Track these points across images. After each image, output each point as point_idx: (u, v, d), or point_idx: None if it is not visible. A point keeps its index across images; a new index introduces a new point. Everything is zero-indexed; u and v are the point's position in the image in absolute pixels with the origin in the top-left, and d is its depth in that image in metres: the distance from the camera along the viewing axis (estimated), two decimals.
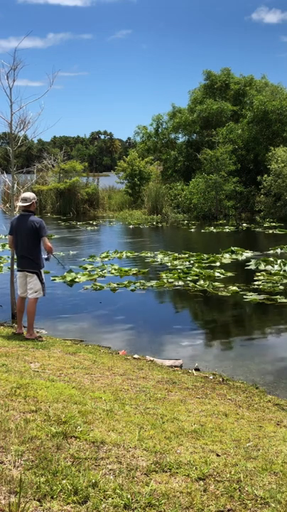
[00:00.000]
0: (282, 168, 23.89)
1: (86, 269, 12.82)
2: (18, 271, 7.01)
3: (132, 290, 10.79)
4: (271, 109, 26.21)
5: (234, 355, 7.09)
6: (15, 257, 7.57)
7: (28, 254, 6.79)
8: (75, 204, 29.27)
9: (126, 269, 12.71)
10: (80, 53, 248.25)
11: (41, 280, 6.88)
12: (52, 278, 11.70)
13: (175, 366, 6.34)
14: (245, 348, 7.47)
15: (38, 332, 7.35)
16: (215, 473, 2.85)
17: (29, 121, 8.34)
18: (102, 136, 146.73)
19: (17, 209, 7.72)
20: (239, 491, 2.67)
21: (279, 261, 12.69)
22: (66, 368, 5.20)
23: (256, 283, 11.03)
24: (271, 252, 14.91)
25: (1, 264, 13.13)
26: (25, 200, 6.80)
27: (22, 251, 6.85)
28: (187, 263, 13.42)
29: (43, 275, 6.98)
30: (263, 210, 25.10)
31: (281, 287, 10.61)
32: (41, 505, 2.42)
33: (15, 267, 7.66)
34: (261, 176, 25.21)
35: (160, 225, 23.55)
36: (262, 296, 9.93)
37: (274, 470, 2.98)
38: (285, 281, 11.15)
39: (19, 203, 6.96)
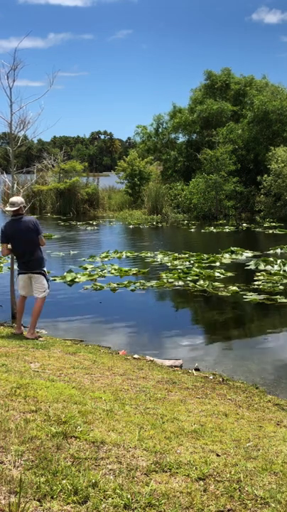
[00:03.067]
0: (282, 168, 23.89)
1: (86, 269, 12.83)
2: (21, 273, 6.93)
3: (132, 290, 10.79)
4: (272, 109, 26.21)
5: (234, 355, 7.09)
6: (15, 257, 7.55)
7: (32, 256, 6.77)
8: (75, 204, 29.26)
9: (126, 269, 12.71)
10: (81, 53, 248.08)
11: (47, 279, 6.96)
12: (52, 278, 11.70)
13: (175, 366, 6.34)
14: (245, 348, 7.47)
15: (37, 332, 7.35)
16: (215, 473, 2.85)
17: (29, 122, 8.35)
18: (102, 136, 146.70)
19: (6, 211, 7.64)
20: (239, 491, 2.67)
21: (279, 261, 12.69)
22: (66, 368, 5.20)
23: (256, 283, 11.03)
24: (271, 252, 14.91)
25: (1, 264, 13.13)
26: (12, 204, 6.75)
27: (25, 255, 6.79)
28: (187, 263, 13.42)
29: (47, 273, 7.05)
30: (263, 210, 25.10)
31: (281, 287, 10.61)
32: (41, 505, 2.41)
33: (15, 267, 7.64)
34: (261, 176, 25.21)
35: (160, 225, 23.54)
36: (262, 296, 9.93)
37: (274, 470, 2.98)
38: (285, 281, 11.15)
39: (7, 208, 6.91)
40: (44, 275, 6.89)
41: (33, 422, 3.36)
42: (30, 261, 6.78)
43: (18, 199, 6.84)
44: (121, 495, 2.53)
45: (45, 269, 6.93)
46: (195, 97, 30.51)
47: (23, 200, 6.95)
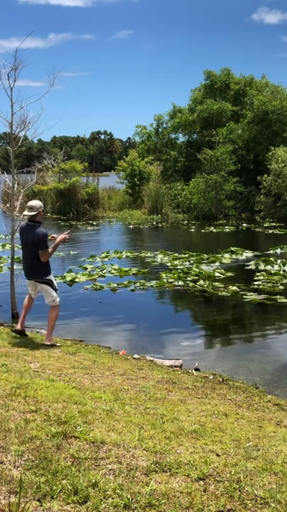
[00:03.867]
0: (282, 168, 23.90)
1: (86, 269, 12.83)
2: (27, 279, 6.65)
3: (132, 290, 10.79)
4: (271, 109, 26.22)
5: (234, 355, 7.09)
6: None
7: (33, 265, 6.46)
8: (75, 204, 29.27)
9: (126, 269, 12.71)
10: (81, 53, 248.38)
11: (55, 288, 6.58)
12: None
13: (175, 366, 6.34)
14: (245, 348, 7.47)
15: (38, 332, 7.35)
16: (215, 473, 2.85)
17: (30, 122, 8.34)
18: (102, 136, 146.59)
19: (22, 215, 7.48)
20: (239, 491, 2.67)
21: (279, 261, 12.69)
22: (66, 368, 5.20)
23: (256, 283, 11.03)
24: (271, 252, 14.91)
25: (1, 265, 13.13)
26: (31, 208, 6.38)
27: (28, 263, 6.54)
28: (187, 263, 13.42)
29: (55, 281, 6.65)
30: (263, 210, 25.11)
31: (281, 287, 10.61)
32: (41, 505, 2.41)
33: (19, 268, 7.59)
34: (261, 175, 25.22)
35: (160, 225, 23.55)
36: (262, 296, 9.93)
37: (274, 470, 2.98)
38: (285, 281, 11.15)
39: (25, 212, 6.56)
40: (49, 285, 6.52)
41: (33, 422, 3.36)
42: (31, 269, 6.54)
43: (37, 203, 6.46)
44: (121, 495, 2.52)
45: (49, 278, 6.53)
46: (195, 97, 30.53)
47: (41, 204, 6.54)
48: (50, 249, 6.44)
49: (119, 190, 32.03)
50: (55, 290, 6.59)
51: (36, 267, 6.47)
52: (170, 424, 3.70)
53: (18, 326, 6.79)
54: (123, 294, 10.51)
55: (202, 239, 19.52)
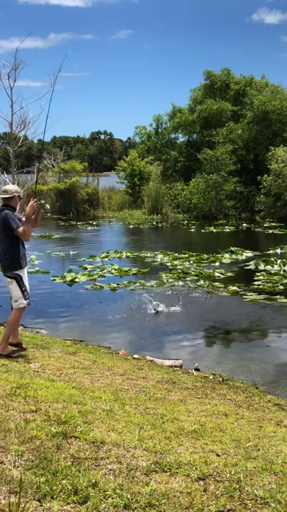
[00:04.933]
0: (282, 168, 23.89)
1: (86, 269, 12.83)
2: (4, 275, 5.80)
3: (132, 290, 10.79)
4: (271, 109, 26.22)
5: (234, 355, 7.08)
6: None
7: (3, 254, 5.70)
8: (75, 204, 29.27)
9: (126, 269, 12.71)
10: (81, 53, 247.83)
11: (21, 287, 5.64)
12: (52, 278, 11.70)
13: (175, 366, 6.34)
14: (245, 348, 7.46)
15: (38, 332, 7.33)
16: (215, 473, 2.85)
17: (29, 122, 8.35)
18: (102, 136, 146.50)
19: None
20: (239, 491, 2.67)
21: (279, 261, 12.69)
22: (66, 368, 5.20)
23: (256, 283, 11.03)
24: (271, 252, 14.91)
25: None
26: (5, 192, 5.76)
27: (0, 252, 5.77)
28: (187, 263, 13.42)
29: (25, 280, 5.71)
30: (263, 210, 25.10)
31: (281, 287, 10.61)
32: (41, 505, 2.41)
33: None
34: (261, 175, 25.22)
35: (160, 225, 23.54)
36: (262, 296, 9.93)
37: (274, 470, 2.97)
38: (285, 281, 11.15)
39: (1, 195, 5.93)
40: (17, 281, 5.63)
41: (33, 422, 3.36)
42: (1, 261, 5.75)
43: (12, 187, 5.90)
44: (121, 495, 2.52)
45: (17, 273, 5.63)
46: (195, 97, 30.53)
47: (18, 189, 5.94)
48: (21, 228, 5.51)
49: (119, 190, 32.04)
50: (22, 290, 5.65)
51: (5, 258, 5.68)
52: (170, 424, 3.70)
53: (12, 339, 5.83)
54: (123, 294, 10.51)
55: (202, 239, 19.52)
